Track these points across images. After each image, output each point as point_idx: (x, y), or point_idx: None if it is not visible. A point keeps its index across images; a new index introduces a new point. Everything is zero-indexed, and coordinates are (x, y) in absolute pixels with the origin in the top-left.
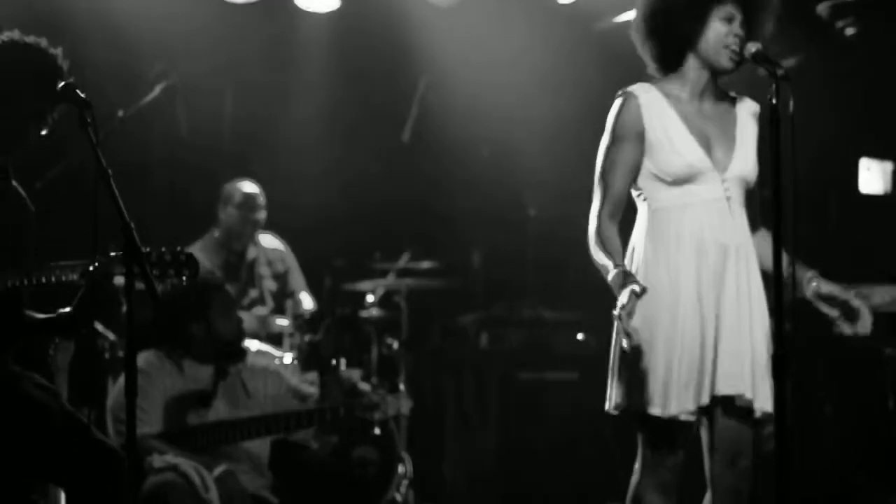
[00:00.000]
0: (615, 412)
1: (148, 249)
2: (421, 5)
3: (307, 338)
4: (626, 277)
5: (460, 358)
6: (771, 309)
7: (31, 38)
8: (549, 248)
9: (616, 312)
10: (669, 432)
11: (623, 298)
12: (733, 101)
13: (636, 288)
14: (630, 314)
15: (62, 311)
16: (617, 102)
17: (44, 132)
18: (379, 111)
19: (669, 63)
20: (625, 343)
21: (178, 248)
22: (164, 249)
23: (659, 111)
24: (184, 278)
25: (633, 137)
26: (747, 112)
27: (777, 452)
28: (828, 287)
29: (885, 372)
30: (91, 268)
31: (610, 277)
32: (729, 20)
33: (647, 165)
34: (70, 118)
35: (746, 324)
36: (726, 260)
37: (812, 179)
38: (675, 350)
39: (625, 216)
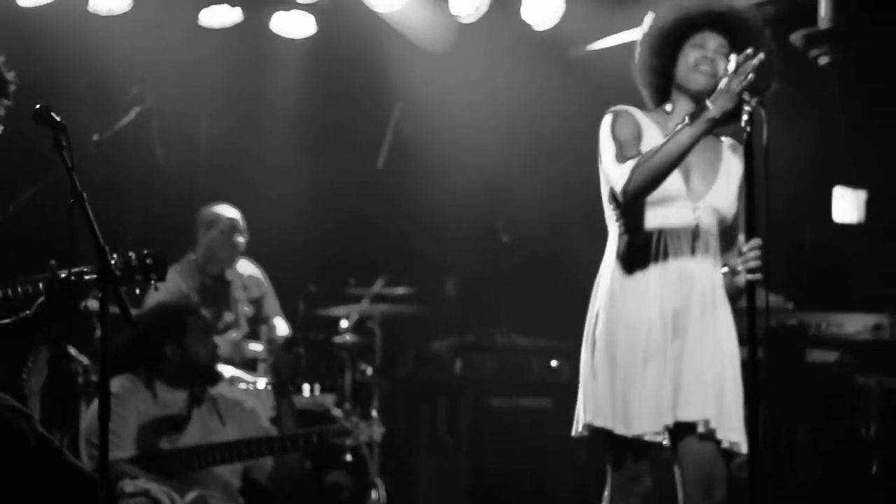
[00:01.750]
0: (584, 433)
1: (114, 255)
2: (397, 31)
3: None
4: None
5: (434, 384)
6: (743, 337)
7: None
8: (523, 274)
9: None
10: (635, 454)
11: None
12: (718, 139)
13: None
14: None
15: (21, 314)
16: (609, 117)
17: None
18: (354, 137)
19: (659, 95)
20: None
21: (145, 252)
22: (130, 254)
23: (649, 130)
24: (152, 282)
25: (636, 138)
26: (731, 149)
27: (749, 479)
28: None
29: (858, 400)
30: (53, 276)
31: (688, 121)
32: (701, 46)
33: None
34: (44, 141)
35: (711, 351)
36: (692, 286)
37: (786, 208)
38: (638, 372)
39: (599, 239)
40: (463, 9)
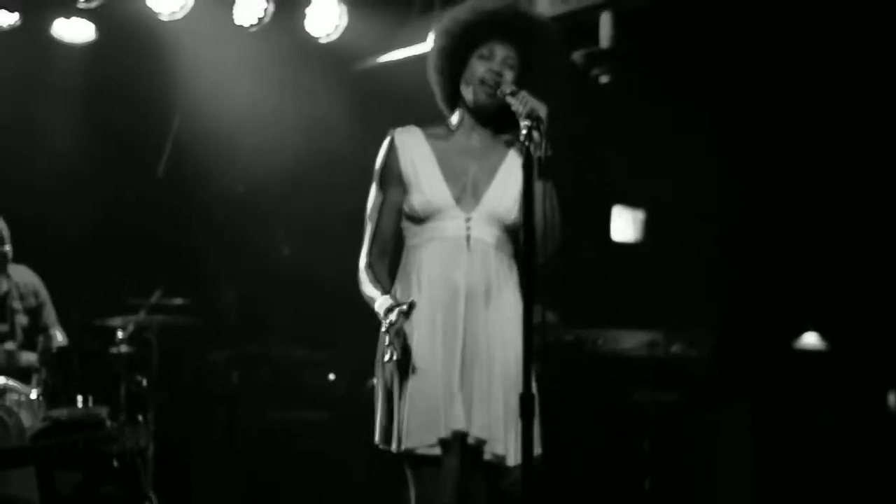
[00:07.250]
0: (382, 447)
1: None
2: (180, 39)
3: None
4: (394, 301)
5: (210, 396)
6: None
7: None
8: (303, 287)
9: (384, 329)
10: (429, 468)
11: (392, 316)
12: (505, 144)
13: (404, 307)
14: (398, 332)
15: None
16: (384, 146)
17: None
18: (134, 146)
19: (449, 101)
20: (387, 357)
21: None
22: None
23: (413, 150)
24: None
25: (392, 179)
26: (517, 153)
27: (523, 494)
28: None
29: (633, 415)
30: None
31: (378, 304)
32: (488, 57)
33: (403, 204)
34: None
35: (487, 365)
36: (465, 298)
37: (565, 225)
38: (419, 388)
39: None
40: (246, 18)
